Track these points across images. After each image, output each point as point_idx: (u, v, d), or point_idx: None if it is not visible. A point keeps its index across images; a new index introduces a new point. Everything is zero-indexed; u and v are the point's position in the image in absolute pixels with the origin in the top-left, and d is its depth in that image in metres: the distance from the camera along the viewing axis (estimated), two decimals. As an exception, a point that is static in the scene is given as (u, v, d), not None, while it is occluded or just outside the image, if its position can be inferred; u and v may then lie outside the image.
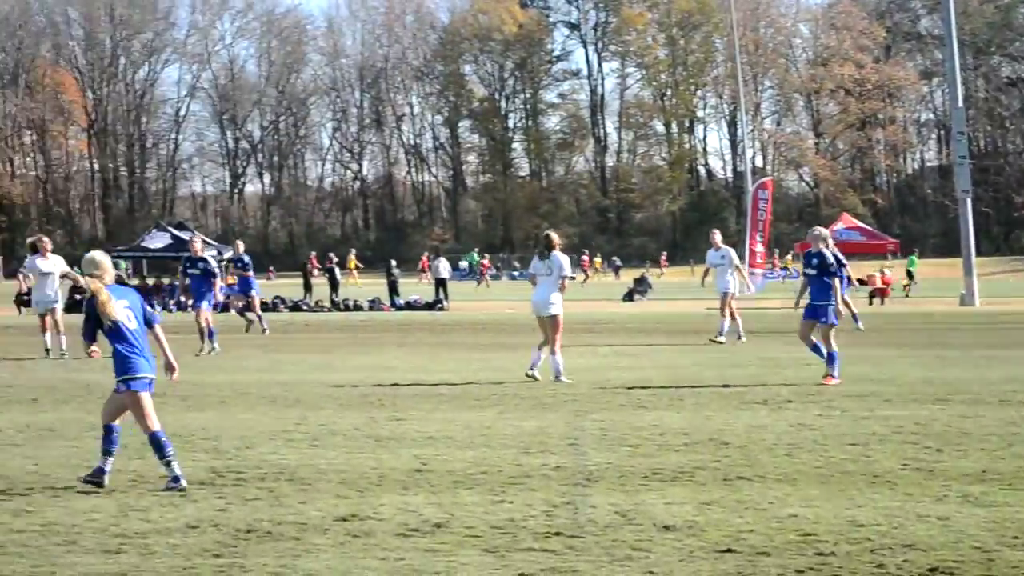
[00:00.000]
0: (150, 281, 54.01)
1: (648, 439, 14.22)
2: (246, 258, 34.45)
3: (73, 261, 26.58)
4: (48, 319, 26.16)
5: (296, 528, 9.78)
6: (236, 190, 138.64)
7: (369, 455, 13.26)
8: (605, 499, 10.81)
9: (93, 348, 12.27)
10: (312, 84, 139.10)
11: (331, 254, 63.43)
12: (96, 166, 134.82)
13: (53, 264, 26.55)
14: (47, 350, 25.90)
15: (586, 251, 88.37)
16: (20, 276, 31.30)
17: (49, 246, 27.12)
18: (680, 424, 15.34)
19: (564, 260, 20.73)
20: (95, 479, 11.47)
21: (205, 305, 27.23)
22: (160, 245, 53.88)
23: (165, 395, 18.69)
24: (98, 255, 12.03)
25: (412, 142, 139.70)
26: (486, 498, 10.92)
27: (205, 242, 51.06)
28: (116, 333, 11.53)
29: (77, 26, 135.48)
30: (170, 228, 54.90)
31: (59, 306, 26.61)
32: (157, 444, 11.48)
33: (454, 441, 14.21)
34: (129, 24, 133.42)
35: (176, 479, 11.38)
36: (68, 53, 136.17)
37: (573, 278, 21.82)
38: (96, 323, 11.62)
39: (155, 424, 11.56)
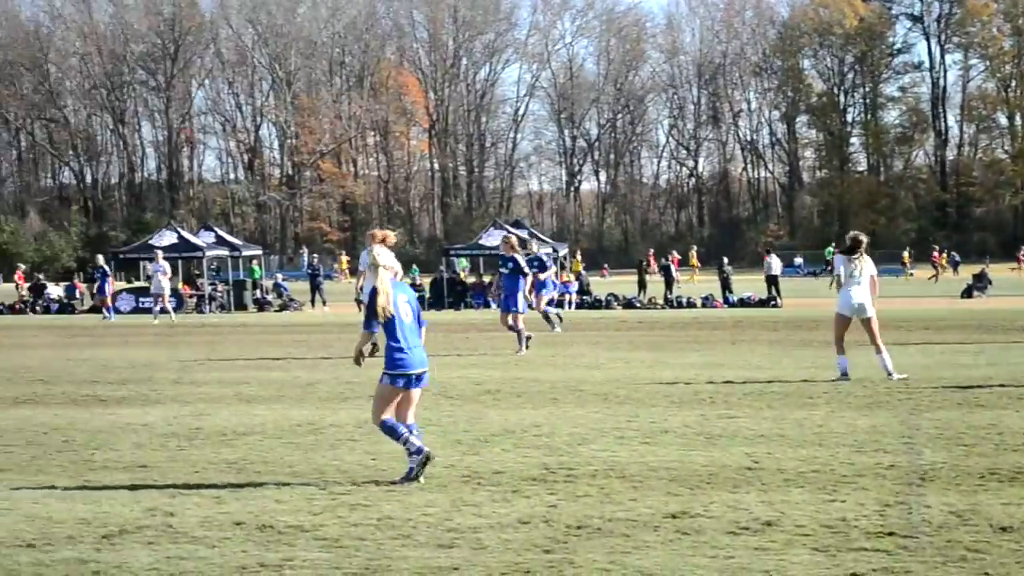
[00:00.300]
0: (487, 279, 54.90)
1: (985, 438, 13.77)
2: (543, 257, 33.97)
3: (411, 260, 27.11)
4: None
5: (626, 525, 9.76)
6: (572, 188, 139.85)
7: (700, 452, 13.17)
8: (940, 499, 10.52)
9: (372, 343, 12.38)
10: (650, 81, 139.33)
11: (673, 252, 63.43)
12: (436, 166, 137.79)
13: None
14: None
15: (936, 246, 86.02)
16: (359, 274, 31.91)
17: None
18: (1019, 424, 14.79)
19: (870, 261, 20.17)
20: (411, 477, 11.71)
21: (521, 305, 26.84)
22: (496, 243, 54.67)
23: (499, 392, 18.98)
24: (377, 247, 12.35)
25: (748, 138, 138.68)
26: (817, 496, 10.73)
27: (541, 240, 51.69)
28: (390, 327, 11.69)
29: (422, 28, 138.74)
30: (506, 226, 55.62)
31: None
32: (389, 430, 11.69)
33: (786, 439, 14.00)
34: (472, 25, 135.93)
35: (419, 450, 11.58)
36: (412, 55, 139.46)
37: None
38: (374, 315, 11.76)
39: (411, 418, 11.84)
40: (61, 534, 9.64)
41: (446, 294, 51.20)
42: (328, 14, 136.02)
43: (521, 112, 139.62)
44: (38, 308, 54.24)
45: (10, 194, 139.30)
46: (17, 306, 55.03)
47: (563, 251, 58.24)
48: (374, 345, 19.64)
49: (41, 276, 67.87)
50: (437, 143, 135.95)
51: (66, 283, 64.62)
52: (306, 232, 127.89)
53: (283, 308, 51.81)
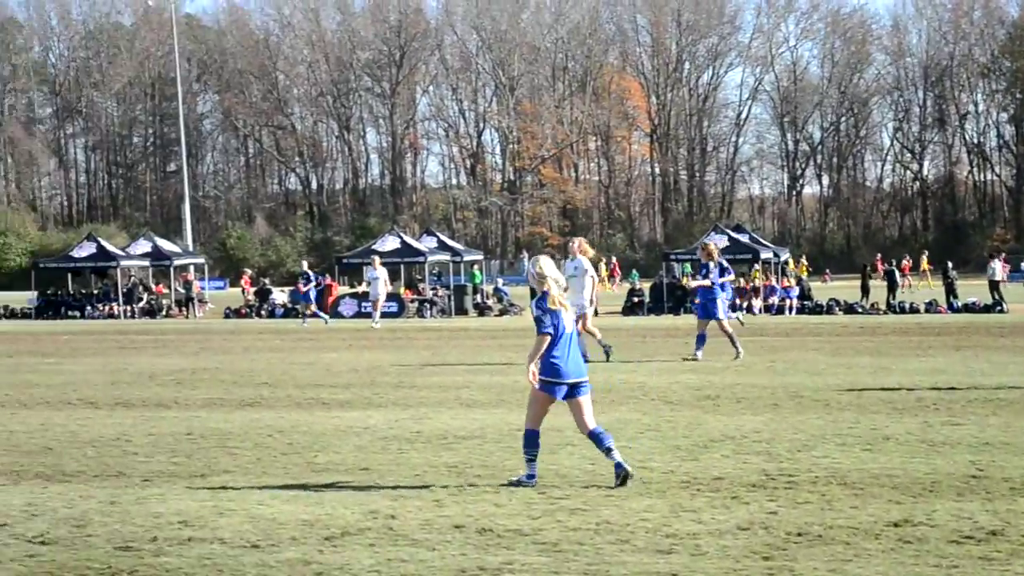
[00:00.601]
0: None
1: None
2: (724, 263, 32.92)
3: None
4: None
5: (847, 532, 9.65)
6: (794, 192, 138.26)
7: (922, 460, 12.95)
8: None
9: (544, 350, 12.33)
10: (875, 84, 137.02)
11: (906, 257, 62.31)
12: (657, 170, 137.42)
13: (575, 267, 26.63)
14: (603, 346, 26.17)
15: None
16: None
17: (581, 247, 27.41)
18: None
19: None
20: (526, 483, 11.87)
21: (721, 311, 26.57)
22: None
23: (719, 397, 18.86)
24: (544, 259, 12.34)
25: (975, 141, 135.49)
26: (1045, 507, 10.46)
27: (762, 244, 51.22)
28: (556, 335, 11.79)
29: (645, 32, 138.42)
30: (728, 231, 55.30)
31: (589, 312, 26.20)
32: (596, 439, 11.78)
33: (1012, 447, 13.68)
34: (695, 29, 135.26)
35: (618, 466, 11.66)
36: (635, 59, 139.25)
37: None
38: (546, 315, 11.84)
39: (590, 423, 11.87)
40: (285, 535, 9.84)
41: (666, 299, 51.05)
42: (552, 19, 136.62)
43: (743, 115, 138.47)
44: (263, 312, 55.47)
45: (238, 200, 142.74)
46: (243, 310, 56.39)
47: (784, 255, 57.65)
48: None
49: (267, 281, 69.35)
50: (658, 147, 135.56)
51: (291, 288, 65.99)
52: (527, 237, 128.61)
53: (503, 313, 52.21)
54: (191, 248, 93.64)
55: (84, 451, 14.46)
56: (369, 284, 46.27)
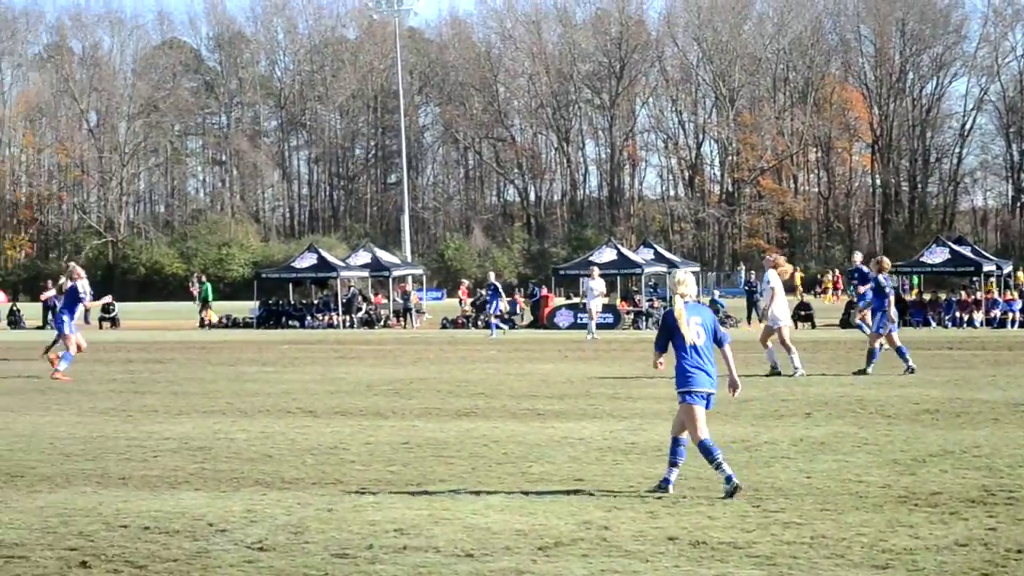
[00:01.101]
0: (927, 296, 53.60)
1: None
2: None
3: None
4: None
5: (1070, 555, 9.37)
6: (1018, 204, 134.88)
7: None
8: None
9: (660, 360, 12.44)
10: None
11: None
12: (878, 181, 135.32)
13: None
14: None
15: None
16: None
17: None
18: None
19: None
20: (661, 488, 12.16)
21: (876, 324, 26.06)
22: (938, 260, 53.31)
23: (938, 411, 18.46)
24: (680, 273, 12.77)
25: None
26: None
27: (984, 256, 50.12)
28: (682, 347, 12.15)
29: (868, 42, 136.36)
30: (949, 243, 54.23)
31: (780, 326, 26.06)
32: (705, 450, 12.01)
33: None
34: (920, 39, 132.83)
35: (728, 479, 11.89)
36: (857, 70, 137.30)
37: None
38: (669, 336, 12.30)
39: (703, 433, 12.05)
40: (499, 545, 9.90)
41: (885, 312, 50.10)
42: (774, 30, 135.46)
43: (968, 126, 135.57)
44: (480, 323, 55.90)
45: (456, 211, 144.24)
46: (460, 320, 56.90)
47: (1007, 268, 56.29)
48: None
49: (483, 292, 69.90)
50: (880, 158, 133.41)
51: (508, 299, 66.38)
52: (744, 248, 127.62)
53: (720, 324, 51.88)
54: (410, 259, 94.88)
55: (303, 459, 14.73)
56: (586, 295, 46.40)
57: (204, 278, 65.86)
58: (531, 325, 54.56)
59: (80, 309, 29.67)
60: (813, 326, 49.67)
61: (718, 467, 11.99)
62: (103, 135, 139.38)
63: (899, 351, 25.58)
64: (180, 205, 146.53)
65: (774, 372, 25.44)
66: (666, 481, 12.24)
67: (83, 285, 29.14)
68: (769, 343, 25.92)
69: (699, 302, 12.84)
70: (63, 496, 12.37)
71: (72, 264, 31.43)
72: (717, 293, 63.63)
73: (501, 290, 49.28)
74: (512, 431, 16.99)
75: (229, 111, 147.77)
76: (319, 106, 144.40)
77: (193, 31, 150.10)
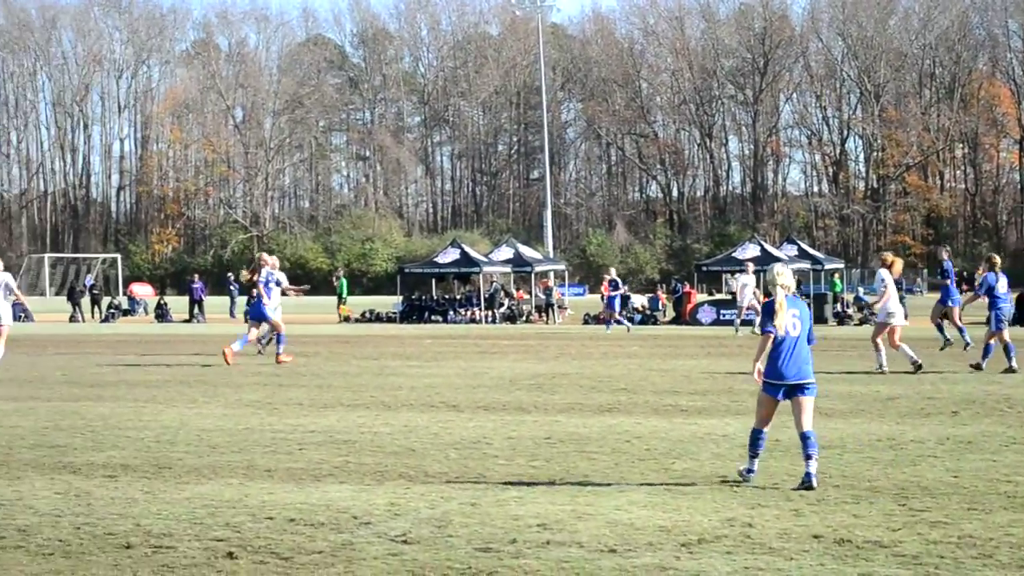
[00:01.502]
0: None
1: None
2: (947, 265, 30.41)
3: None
4: None
5: None
6: None
7: None
8: None
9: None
10: None
11: None
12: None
13: None
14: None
15: None
16: None
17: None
18: None
19: None
20: (744, 477, 12.67)
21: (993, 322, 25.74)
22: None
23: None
24: (779, 266, 12.96)
25: None
26: None
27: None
28: (775, 339, 12.50)
29: (1016, 37, 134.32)
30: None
31: (894, 323, 26.12)
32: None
33: None
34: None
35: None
36: (1005, 65, 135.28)
37: None
38: (770, 320, 12.56)
39: (806, 425, 12.35)
40: (642, 540, 9.88)
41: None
42: (920, 25, 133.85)
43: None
44: (622, 318, 55.84)
45: (599, 207, 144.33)
46: (602, 316, 56.88)
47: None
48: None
49: (626, 287, 69.84)
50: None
51: (649, 295, 66.22)
52: (889, 245, 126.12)
53: (863, 322, 51.24)
54: (552, 254, 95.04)
55: (446, 453, 14.80)
56: (733, 292, 46.05)
57: (341, 273, 66.47)
58: (673, 321, 54.37)
59: (275, 292, 30.39)
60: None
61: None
62: (249, 131, 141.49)
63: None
64: (324, 200, 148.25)
65: (917, 367, 25.10)
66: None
67: (267, 272, 30.08)
68: (882, 342, 25.72)
69: (796, 296, 12.93)
70: (210, 488, 12.57)
71: (261, 254, 32.39)
72: (861, 290, 62.90)
73: (620, 284, 49.10)
74: (654, 427, 16.95)
75: (373, 107, 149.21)
76: (462, 102, 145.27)
77: (338, 28, 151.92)
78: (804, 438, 12.34)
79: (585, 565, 9.18)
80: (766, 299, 13.05)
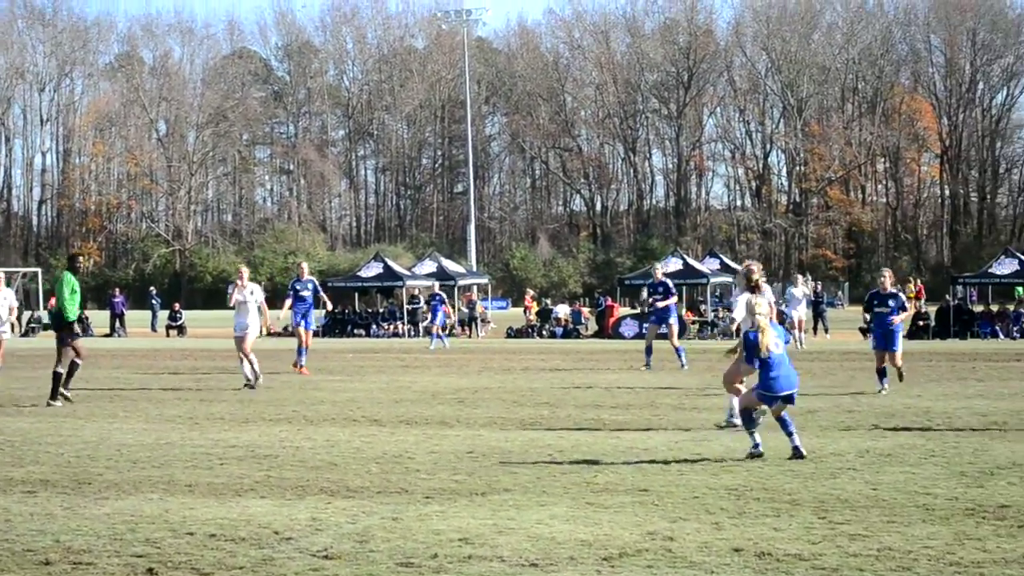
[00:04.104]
0: (994, 308, 53.19)
1: None
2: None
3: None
4: None
5: None
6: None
7: None
8: None
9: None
10: None
11: None
12: (947, 192, 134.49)
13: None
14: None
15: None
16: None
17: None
18: None
19: None
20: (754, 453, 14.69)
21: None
22: (1006, 271, 52.97)
23: (1007, 423, 18.33)
24: (755, 297, 14.77)
25: None
26: None
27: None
28: (763, 362, 14.03)
29: (938, 53, 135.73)
30: (1018, 254, 53.80)
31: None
32: (783, 422, 14.50)
33: None
34: (991, 48, 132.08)
35: (796, 448, 14.49)
36: (927, 80, 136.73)
37: None
38: (756, 353, 14.19)
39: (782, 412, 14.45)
40: (563, 555, 9.89)
41: (952, 323, 49.87)
42: (843, 40, 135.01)
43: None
44: (544, 332, 55.96)
45: (522, 221, 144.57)
46: (525, 330, 56.98)
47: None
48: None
49: (548, 301, 69.96)
50: (949, 169, 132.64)
51: (571, 309, 66.34)
52: (810, 259, 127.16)
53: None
54: (475, 268, 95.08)
55: (368, 467, 14.77)
56: (787, 303, 45.29)
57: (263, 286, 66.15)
58: (596, 335, 54.52)
59: (304, 306, 31.17)
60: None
61: (789, 435, 14.57)
62: (172, 144, 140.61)
63: None
64: (247, 214, 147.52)
65: None
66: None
67: (300, 284, 31.24)
68: None
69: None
70: (130, 503, 12.47)
71: (300, 262, 32.90)
72: (782, 305, 63.28)
73: (446, 300, 49.03)
74: (577, 441, 16.97)
75: (297, 120, 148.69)
76: (387, 116, 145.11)
77: (263, 41, 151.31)
78: (781, 420, 14.22)
79: (506, 581, 9.18)
80: (741, 331, 15.00)
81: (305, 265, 32.57)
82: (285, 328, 38.96)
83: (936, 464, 14.44)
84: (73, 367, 22.82)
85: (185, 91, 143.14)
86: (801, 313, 43.79)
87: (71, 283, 22.88)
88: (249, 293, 27.13)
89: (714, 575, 9.21)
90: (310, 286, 31.24)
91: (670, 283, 31.23)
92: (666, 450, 15.94)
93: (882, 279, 24.53)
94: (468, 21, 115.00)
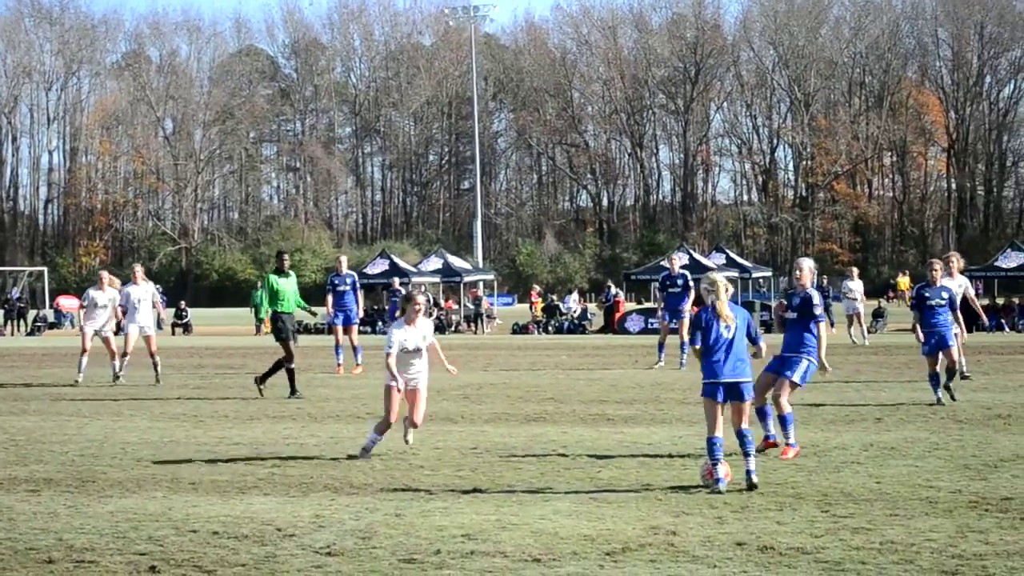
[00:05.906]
0: (1000, 301, 53.11)
1: None
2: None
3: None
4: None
5: None
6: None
7: None
8: None
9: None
10: None
11: None
12: (953, 185, 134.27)
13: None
14: None
15: None
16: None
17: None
18: None
19: None
20: (713, 489, 12.56)
21: None
22: (1012, 265, 52.90)
23: (1010, 416, 18.29)
24: (713, 275, 13.39)
25: None
26: None
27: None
28: (709, 342, 12.91)
29: (945, 46, 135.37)
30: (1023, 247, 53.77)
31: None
32: (742, 439, 12.78)
33: None
34: (998, 42, 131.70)
35: (748, 473, 12.56)
36: (934, 74, 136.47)
37: None
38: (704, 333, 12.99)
39: (743, 424, 12.88)
40: (566, 550, 9.89)
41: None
42: (850, 34, 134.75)
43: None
44: (551, 328, 55.93)
45: (529, 216, 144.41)
46: (530, 326, 56.93)
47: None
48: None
49: (554, 297, 69.92)
50: (955, 163, 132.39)
51: (579, 303, 66.32)
52: (817, 253, 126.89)
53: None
54: (481, 264, 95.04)
55: (371, 464, 14.77)
56: (845, 295, 44.76)
57: (260, 284, 66.14)
58: (602, 330, 54.47)
59: (342, 302, 30.69)
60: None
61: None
62: (179, 142, 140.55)
63: None
64: (254, 212, 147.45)
65: None
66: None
67: (338, 278, 30.67)
68: None
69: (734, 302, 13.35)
70: (133, 501, 12.48)
71: (339, 257, 32.70)
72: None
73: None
74: (581, 436, 16.97)
75: (304, 118, 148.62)
76: (393, 112, 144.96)
77: (270, 38, 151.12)
78: (741, 435, 12.73)
79: (509, 575, 9.17)
80: (696, 309, 13.77)
81: (343, 259, 31.78)
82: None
83: (940, 457, 14.44)
84: (277, 365, 23.61)
85: (192, 89, 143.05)
86: (861, 307, 41.16)
87: (268, 284, 24.36)
88: (145, 292, 28.07)
89: (717, 569, 9.22)
90: (348, 280, 30.66)
91: (688, 276, 30.58)
92: (670, 445, 15.94)
93: (933, 272, 21.44)
94: (475, 17, 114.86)
